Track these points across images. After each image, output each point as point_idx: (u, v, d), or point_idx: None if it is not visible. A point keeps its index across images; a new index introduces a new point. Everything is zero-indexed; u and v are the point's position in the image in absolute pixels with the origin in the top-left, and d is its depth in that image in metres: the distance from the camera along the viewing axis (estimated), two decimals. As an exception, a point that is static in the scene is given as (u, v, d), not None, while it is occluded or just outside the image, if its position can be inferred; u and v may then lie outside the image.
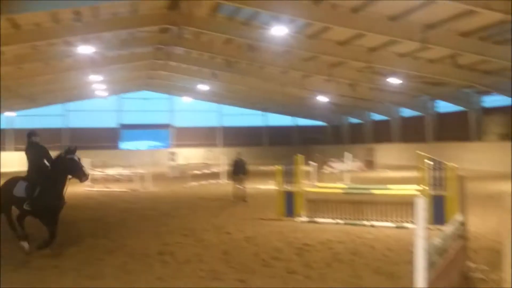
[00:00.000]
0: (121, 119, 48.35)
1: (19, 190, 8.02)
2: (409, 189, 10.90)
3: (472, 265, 6.45)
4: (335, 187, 13.43)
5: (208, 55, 29.60)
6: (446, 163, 10.15)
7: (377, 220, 10.53)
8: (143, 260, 7.55)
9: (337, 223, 10.63)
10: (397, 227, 9.96)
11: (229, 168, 17.19)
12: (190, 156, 39.68)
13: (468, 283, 5.99)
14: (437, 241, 4.50)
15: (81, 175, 8.02)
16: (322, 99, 37.85)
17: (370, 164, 33.66)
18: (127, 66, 33.29)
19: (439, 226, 8.32)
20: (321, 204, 11.29)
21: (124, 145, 48.44)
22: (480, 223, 9.99)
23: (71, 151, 8.15)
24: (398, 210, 10.39)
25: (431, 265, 3.90)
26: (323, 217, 11.00)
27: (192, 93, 42.64)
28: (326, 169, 27.56)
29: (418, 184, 10.55)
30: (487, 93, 30.39)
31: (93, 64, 28.36)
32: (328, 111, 46.04)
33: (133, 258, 7.69)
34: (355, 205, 11.07)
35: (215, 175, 22.93)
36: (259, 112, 51.10)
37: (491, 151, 28.34)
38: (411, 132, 38.48)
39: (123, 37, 25.40)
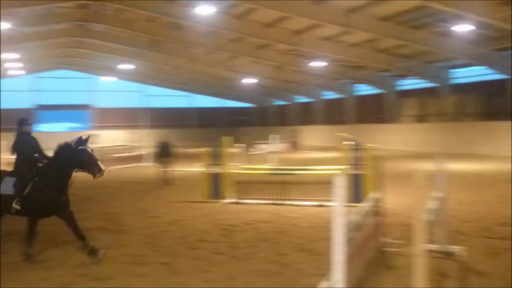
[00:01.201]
0: (38, 100, 45.73)
1: (6, 187, 6.83)
2: (331, 169, 11.29)
3: (388, 240, 6.82)
4: (261, 169, 13.64)
5: (131, 33, 28.60)
6: (365, 143, 10.60)
7: (301, 200, 10.84)
8: (62, 247, 7.24)
9: (263, 204, 10.80)
10: (320, 206, 10.31)
11: (155, 151, 16.85)
12: (113, 138, 38.42)
13: (384, 257, 6.34)
14: (354, 217, 4.70)
15: (95, 170, 6.84)
16: (249, 80, 38.02)
17: (295, 146, 34.48)
18: (44, 44, 31.44)
19: (357, 204, 8.71)
20: (247, 186, 11.40)
21: (41, 127, 45.94)
22: (396, 200, 10.56)
23: (83, 141, 6.92)
24: (320, 189, 10.73)
25: (348, 240, 4.06)
26: (250, 198, 11.14)
27: (115, 72, 41.18)
28: (253, 151, 27.87)
29: (339, 164, 10.95)
30: (403, 76, 32.02)
31: (8, 41, 26.46)
32: (255, 93, 46.39)
33: (51, 245, 7.35)
34: (280, 185, 11.30)
35: (139, 158, 22.41)
36: (186, 93, 50.44)
37: (407, 132, 30.00)
38: (333, 114, 39.77)
39: (40, 12, 23.88)
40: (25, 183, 6.77)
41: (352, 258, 4.51)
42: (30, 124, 7.34)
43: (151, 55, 33.01)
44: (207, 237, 7.82)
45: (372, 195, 6.76)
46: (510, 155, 20.94)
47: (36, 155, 7.06)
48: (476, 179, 14.46)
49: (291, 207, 10.40)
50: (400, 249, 6.56)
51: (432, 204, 5.87)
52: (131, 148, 25.65)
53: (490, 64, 25.20)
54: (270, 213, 9.81)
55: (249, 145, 27.34)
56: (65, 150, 6.94)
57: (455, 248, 6.41)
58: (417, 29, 22.23)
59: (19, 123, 7.27)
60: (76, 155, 6.83)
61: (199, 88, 47.98)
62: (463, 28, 19.38)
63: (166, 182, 14.79)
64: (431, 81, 29.69)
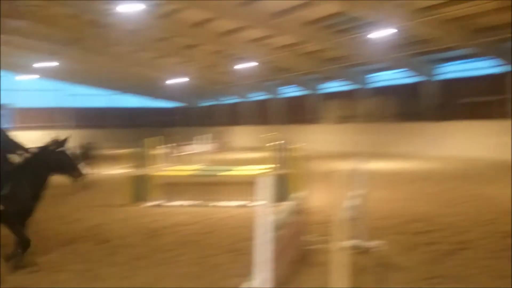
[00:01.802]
0: None
1: None
2: (258, 169, 11.40)
3: (311, 237, 6.99)
4: (187, 170, 13.48)
5: (53, 30, 27.25)
6: (291, 144, 10.82)
7: (228, 200, 10.84)
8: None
9: (189, 206, 10.69)
10: (246, 206, 10.37)
11: (75, 153, 16.12)
12: (32, 139, 36.26)
13: (307, 254, 6.49)
14: (278, 216, 4.77)
15: (75, 174, 6.44)
16: (177, 80, 37.56)
17: (223, 146, 34.48)
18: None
19: (283, 203, 8.85)
20: (172, 188, 11.22)
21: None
22: (319, 198, 10.86)
23: (60, 142, 6.40)
24: (247, 189, 10.78)
25: (272, 239, 4.11)
26: (175, 201, 10.97)
27: (36, 70, 39.00)
28: (180, 152, 27.50)
29: (265, 164, 11.08)
30: (326, 79, 33.11)
31: None
32: (183, 93, 45.91)
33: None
34: (207, 186, 11.24)
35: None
36: (111, 93, 48.84)
37: (330, 133, 31.01)
38: (261, 114, 40.27)
39: None
40: (4, 183, 6.07)
41: (275, 257, 4.56)
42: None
43: (74, 53, 31.63)
44: (129, 242, 7.59)
45: (296, 194, 6.90)
46: (425, 155, 22.31)
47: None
48: (393, 177, 15.21)
49: (218, 208, 10.37)
50: (322, 246, 6.75)
51: (351, 202, 6.10)
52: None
53: (405, 69, 26.72)
54: (195, 215, 9.71)
55: (176, 145, 26.91)
56: (41, 152, 6.41)
57: (373, 244, 6.69)
58: (339, 34, 23.08)
59: None
60: (54, 158, 6.32)
61: (125, 87, 46.66)
62: (381, 33, 20.37)
63: (85, 185, 14.20)
64: (352, 84, 30.96)
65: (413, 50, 24.47)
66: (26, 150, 6.51)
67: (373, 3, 18.15)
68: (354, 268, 5.89)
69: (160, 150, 15.72)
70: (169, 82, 38.24)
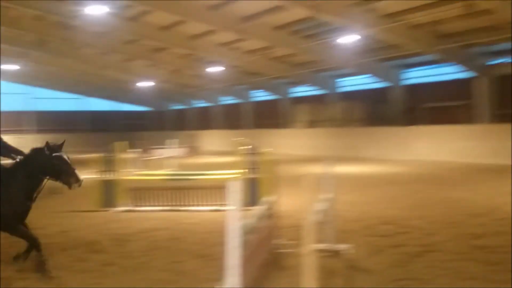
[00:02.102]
0: None
1: None
2: (229, 174, 11.39)
3: (281, 241, 7.02)
4: (158, 174, 13.35)
5: (17, 32, 26.55)
6: (261, 148, 10.86)
7: (199, 205, 10.78)
8: None
9: (159, 211, 10.58)
10: (217, 210, 10.34)
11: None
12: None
13: (278, 258, 6.51)
14: (249, 221, 4.78)
15: (72, 180, 6.14)
16: (146, 84, 37.17)
17: (194, 150, 34.29)
18: None
19: (253, 207, 8.87)
20: (142, 192, 11.09)
21: None
22: (290, 202, 10.93)
23: (57, 147, 6.14)
24: (218, 194, 10.77)
25: (243, 244, 4.11)
26: (145, 206, 10.85)
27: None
28: (150, 156, 27.19)
29: (236, 168, 11.08)
30: (296, 83, 33.39)
31: None
32: (152, 97, 45.45)
33: None
34: (178, 191, 11.14)
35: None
36: (77, 96, 47.91)
37: (300, 137, 31.26)
38: (231, 118, 40.27)
39: None
40: None
41: (246, 261, 4.57)
42: None
43: (38, 56, 30.90)
44: (98, 248, 7.45)
45: (267, 198, 6.92)
46: (392, 159, 22.74)
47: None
48: (362, 181, 15.44)
49: (188, 213, 10.30)
50: (293, 250, 6.79)
51: (321, 205, 6.16)
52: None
53: (373, 74, 27.22)
54: (166, 220, 9.62)
55: (146, 150, 26.66)
56: (36, 156, 6.13)
57: (342, 247, 6.78)
58: (308, 39, 23.33)
59: None
60: (50, 163, 6.08)
61: (92, 90, 45.86)
62: (349, 39, 20.71)
63: (52, 191, 13.86)
64: (321, 89, 31.33)
65: (380, 55, 24.96)
66: (20, 153, 6.31)
67: (341, 9, 18.44)
68: (323, 271, 5.95)
69: (129, 154, 15.53)
70: (138, 85, 37.82)
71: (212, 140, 39.94)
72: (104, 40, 26.79)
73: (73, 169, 6.23)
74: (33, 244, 6.07)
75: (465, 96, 23.99)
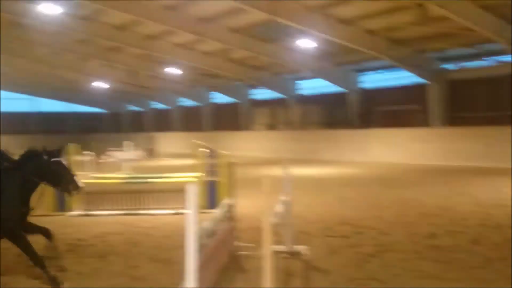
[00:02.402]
0: None
1: None
2: (187, 176, 11.27)
3: (240, 244, 6.99)
4: (113, 178, 13.05)
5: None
6: (220, 150, 10.80)
7: (156, 209, 10.61)
8: None
9: (115, 215, 10.34)
10: (175, 214, 10.20)
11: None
12: None
13: (237, 261, 6.48)
14: (207, 224, 4.72)
15: (70, 187, 5.87)
16: (101, 84, 36.33)
17: (151, 153, 33.77)
18: None
19: (213, 210, 8.81)
20: (98, 196, 10.80)
21: None
22: (248, 205, 10.93)
23: (56, 152, 5.86)
24: (176, 197, 10.63)
25: (201, 247, 4.06)
26: (100, 210, 10.57)
27: None
28: (106, 159, 26.56)
29: (194, 171, 10.97)
30: (255, 86, 33.51)
31: None
32: (107, 98, 44.49)
33: None
34: (134, 194, 10.92)
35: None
36: (28, 97, 46.23)
37: (259, 140, 31.39)
38: (190, 121, 39.95)
39: None
40: None
41: (205, 264, 4.52)
42: None
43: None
44: (50, 253, 7.19)
45: (226, 201, 6.88)
46: (351, 161, 23.17)
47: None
48: (320, 183, 15.64)
49: (145, 217, 10.11)
50: (252, 252, 6.78)
51: (279, 207, 6.18)
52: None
53: (330, 78, 27.68)
54: (122, 224, 9.40)
55: (101, 152, 25.99)
56: (33, 159, 5.83)
57: (300, 248, 6.83)
58: (266, 42, 23.46)
59: None
60: (48, 169, 5.79)
61: (44, 91, 44.39)
62: (307, 43, 20.97)
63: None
64: (280, 92, 31.56)
65: (338, 60, 25.41)
66: (7, 158, 5.97)
67: (299, 13, 18.64)
68: (282, 273, 5.98)
69: (85, 157, 15.10)
70: (94, 86, 36.94)
71: (171, 142, 39.48)
72: (58, 40, 26.01)
73: (73, 176, 6.00)
74: (34, 261, 5.81)
75: (419, 100, 24.77)
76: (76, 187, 6.02)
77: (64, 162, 6.01)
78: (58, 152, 6.01)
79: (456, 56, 22.98)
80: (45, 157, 5.87)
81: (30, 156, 5.95)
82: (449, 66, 23.89)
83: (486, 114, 22.56)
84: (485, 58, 22.21)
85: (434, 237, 7.78)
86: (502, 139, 19.21)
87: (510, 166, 17.93)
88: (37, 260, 5.81)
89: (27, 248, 5.87)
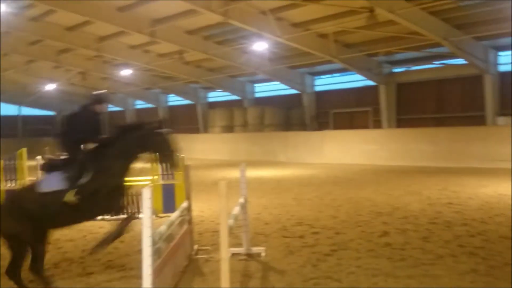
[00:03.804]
0: None
1: (50, 182, 5.27)
2: (141, 180, 11.08)
3: (197, 247, 6.97)
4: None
5: None
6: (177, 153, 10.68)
7: (110, 214, 10.36)
8: None
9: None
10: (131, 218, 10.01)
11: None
12: None
13: (194, 264, 6.45)
14: (163, 228, 4.69)
15: (169, 160, 5.67)
16: (51, 86, 35.19)
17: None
18: None
19: (169, 214, 8.72)
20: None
21: None
22: (205, 208, 10.90)
23: (160, 123, 5.65)
24: (132, 202, 10.44)
25: (157, 252, 4.03)
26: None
27: None
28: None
29: (149, 174, 10.82)
30: (211, 88, 33.41)
31: None
32: (58, 100, 43.11)
33: None
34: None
35: None
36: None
37: (216, 142, 31.28)
38: (145, 123, 39.30)
39: None
40: (83, 171, 5.29)
41: (161, 269, 4.48)
42: (104, 103, 6.01)
43: None
44: (2, 263, 6.91)
45: (182, 204, 6.83)
46: (306, 162, 23.48)
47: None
48: (276, 184, 15.76)
49: (100, 222, 9.84)
50: (209, 255, 6.77)
51: (236, 210, 6.21)
52: None
53: (285, 80, 28.00)
54: (76, 230, 9.10)
55: (55, 156, 25.11)
56: (134, 130, 5.69)
57: (257, 250, 6.88)
58: (221, 44, 23.46)
59: (94, 99, 5.92)
60: (149, 140, 5.58)
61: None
62: (262, 46, 21.12)
63: None
64: (236, 94, 31.62)
65: (292, 62, 25.72)
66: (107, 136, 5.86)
67: (252, 16, 18.74)
68: (239, 275, 6.01)
69: (34, 161, 14.57)
70: (43, 88, 35.72)
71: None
72: (5, 41, 25.00)
73: (174, 150, 5.76)
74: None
75: (370, 102, 25.47)
76: (175, 163, 5.94)
77: (167, 134, 5.78)
78: (162, 124, 5.85)
79: (405, 60, 23.78)
80: (148, 127, 5.76)
81: (133, 127, 5.86)
82: (398, 69, 24.68)
83: (434, 116, 23.47)
84: (432, 61, 23.07)
85: (387, 235, 8.01)
86: (449, 139, 20.03)
87: (457, 166, 18.73)
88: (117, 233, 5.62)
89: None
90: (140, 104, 40.42)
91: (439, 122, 22.80)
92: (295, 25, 20.00)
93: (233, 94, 31.78)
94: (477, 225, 8.51)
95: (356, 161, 22.12)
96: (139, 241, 7.54)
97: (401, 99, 24.65)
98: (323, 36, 21.17)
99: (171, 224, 5.18)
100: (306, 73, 27.95)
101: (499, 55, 20.89)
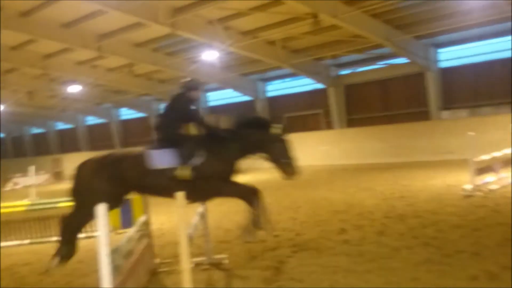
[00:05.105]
0: None
1: (162, 158, 5.47)
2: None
3: (158, 261, 6.93)
4: (17, 205, 12.24)
5: None
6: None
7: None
8: None
9: (23, 245, 9.73)
10: (89, 237, 9.81)
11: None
12: None
13: (156, 279, 6.42)
14: (121, 244, 4.66)
15: (288, 170, 5.57)
16: (-2, 108, 33.88)
17: (58, 176, 32.08)
18: None
19: (127, 229, 8.61)
20: (5, 226, 10.10)
21: None
22: (165, 220, 10.82)
23: (286, 128, 5.63)
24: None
25: (116, 269, 4.01)
26: (6, 241, 9.89)
27: None
28: (9, 186, 24.81)
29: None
30: (165, 100, 33.11)
31: None
32: (5, 122, 41.50)
33: None
34: (42, 221, 10.35)
35: None
36: None
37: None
38: (98, 139, 38.50)
39: None
40: (196, 151, 5.48)
41: (122, 286, 4.45)
42: (199, 90, 6.02)
43: None
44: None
45: (140, 218, 6.79)
46: (262, 166, 23.62)
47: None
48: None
49: (56, 244, 9.62)
50: (171, 268, 6.75)
51: (195, 219, 6.24)
52: None
53: (237, 88, 28.18)
54: (32, 253, 8.88)
55: (7, 180, 24.23)
56: (257, 130, 5.65)
57: (220, 257, 6.92)
58: (171, 56, 23.37)
59: (187, 87, 5.94)
60: (271, 145, 5.59)
61: None
62: (212, 55, 21.20)
63: None
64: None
65: (243, 70, 25.94)
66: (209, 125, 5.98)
67: (199, 26, 18.78)
68: (203, 284, 6.03)
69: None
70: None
71: (78, 163, 37.61)
72: None
73: (293, 158, 5.64)
74: (249, 196, 5.73)
75: (321, 105, 26.02)
76: (294, 171, 5.73)
77: (289, 141, 5.63)
78: (287, 129, 5.74)
79: (351, 62, 24.46)
80: (274, 131, 5.63)
81: (257, 124, 5.81)
82: (345, 71, 25.34)
83: (382, 114, 24.25)
84: (376, 62, 23.84)
85: (344, 232, 8.23)
86: (397, 135, 20.75)
87: (406, 160, 19.41)
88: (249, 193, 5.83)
89: (239, 188, 5.88)
90: (91, 120, 39.54)
91: (387, 120, 23.59)
92: (243, 33, 20.21)
93: (186, 104, 31.62)
94: (429, 216, 8.87)
95: (311, 162, 22.50)
96: (97, 259, 7.42)
97: (350, 100, 25.33)
98: (271, 43, 21.49)
99: (129, 240, 5.15)
100: (258, 79, 28.25)
101: (439, 52, 21.86)
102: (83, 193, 5.87)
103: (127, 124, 36.97)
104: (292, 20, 18.38)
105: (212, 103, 31.93)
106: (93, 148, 38.35)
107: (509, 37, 19.18)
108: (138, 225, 6.14)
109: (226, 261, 6.87)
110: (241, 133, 5.84)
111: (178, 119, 6.00)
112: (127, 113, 36.99)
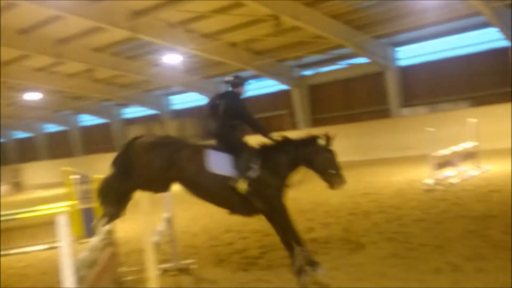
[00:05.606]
0: None
1: (221, 163, 5.35)
2: (59, 207, 10.59)
3: (124, 269, 6.79)
4: (-26, 219, 11.77)
5: None
6: (93, 175, 10.35)
7: (29, 245, 9.81)
8: None
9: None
10: (51, 248, 9.54)
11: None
12: None
13: (124, 286, 6.29)
14: (84, 254, 4.54)
15: (334, 180, 5.56)
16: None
17: (17, 186, 31.09)
18: None
19: (90, 238, 8.41)
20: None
21: None
22: (130, 228, 10.61)
23: (328, 140, 5.70)
24: (50, 231, 9.94)
25: (80, 279, 3.90)
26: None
27: None
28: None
29: (66, 200, 10.38)
30: (126, 105, 32.62)
31: None
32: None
33: None
34: (5, 233, 9.99)
35: None
36: None
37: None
38: (58, 147, 37.54)
39: None
40: (253, 160, 5.43)
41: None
42: (244, 86, 5.91)
43: None
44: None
45: (103, 227, 6.63)
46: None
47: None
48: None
49: (18, 256, 9.32)
50: (138, 276, 6.62)
51: (161, 225, 6.15)
52: None
53: (201, 91, 28.03)
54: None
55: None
56: (305, 146, 5.70)
57: (187, 262, 6.84)
58: (131, 60, 23.05)
59: (234, 83, 5.86)
60: (318, 156, 5.67)
61: None
62: (174, 58, 21.02)
63: None
64: (153, 108, 31.12)
65: (206, 73, 25.83)
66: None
67: (159, 30, 18.60)
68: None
69: None
70: None
71: (38, 172, 36.62)
72: None
73: (340, 168, 5.71)
74: (289, 237, 5.60)
75: (286, 106, 26.21)
76: (341, 181, 5.74)
77: (334, 153, 5.75)
78: (331, 141, 5.82)
79: (313, 62, 24.76)
80: (320, 144, 5.74)
81: (305, 142, 5.84)
82: (308, 72, 25.62)
83: (344, 113, 24.64)
84: (338, 62, 24.21)
85: (311, 231, 8.29)
86: (359, 133, 21.12)
87: (369, 158, 19.78)
88: (295, 237, 5.62)
89: (286, 222, 5.69)
90: (51, 127, 38.51)
91: (350, 119, 23.98)
92: (205, 35, 20.14)
93: (150, 108, 31.25)
94: (393, 211, 9.05)
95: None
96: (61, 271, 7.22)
97: (313, 100, 25.61)
98: (234, 45, 21.50)
99: (93, 249, 5.02)
100: (221, 82, 28.15)
101: (397, 51, 22.39)
102: (135, 163, 5.65)
103: (88, 130, 36.20)
104: (254, 22, 18.46)
105: (176, 107, 31.65)
106: (53, 156, 37.36)
107: (463, 35, 19.85)
108: (102, 234, 5.99)
109: (194, 266, 6.80)
110: (295, 148, 5.94)
111: (239, 119, 6.12)
112: (88, 120, 36.23)
